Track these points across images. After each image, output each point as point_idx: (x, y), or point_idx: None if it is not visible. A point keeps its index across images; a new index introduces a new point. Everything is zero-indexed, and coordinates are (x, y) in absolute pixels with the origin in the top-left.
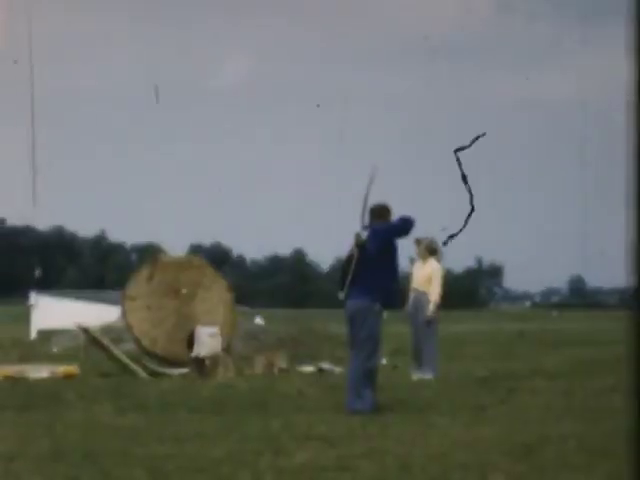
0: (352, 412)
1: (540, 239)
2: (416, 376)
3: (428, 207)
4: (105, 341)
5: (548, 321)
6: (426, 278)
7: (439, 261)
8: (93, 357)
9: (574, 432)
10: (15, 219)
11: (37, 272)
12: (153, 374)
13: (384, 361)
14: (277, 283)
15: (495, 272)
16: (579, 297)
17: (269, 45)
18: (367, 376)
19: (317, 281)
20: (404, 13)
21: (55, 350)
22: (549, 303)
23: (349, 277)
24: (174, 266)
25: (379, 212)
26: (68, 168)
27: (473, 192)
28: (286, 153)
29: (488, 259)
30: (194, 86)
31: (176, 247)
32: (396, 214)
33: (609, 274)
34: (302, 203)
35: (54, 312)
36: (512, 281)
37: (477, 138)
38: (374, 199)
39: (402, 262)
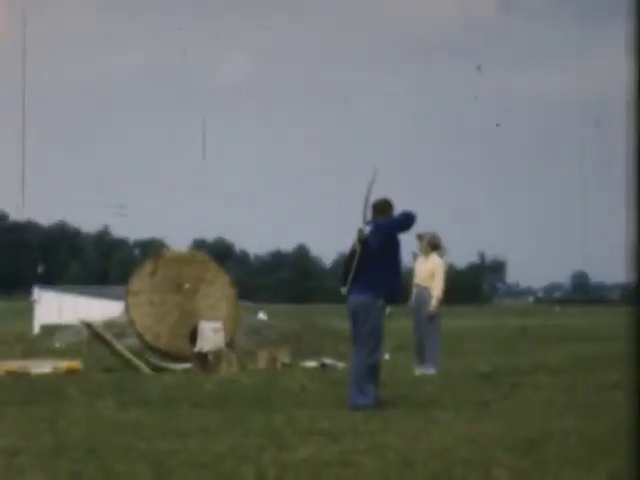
0: (355, 407)
1: (543, 235)
2: (419, 371)
3: (427, 205)
4: (108, 336)
5: (551, 317)
6: (428, 273)
7: (441, 256)
8: (96, 352)
9: (577, 428)
10: (17, 214)
11: (40, 268)
12: (156, 369)
13: (387, 356)
14: (280, 278)
15: (498, 267)
16: (582, 293)
17: (271, 44)
18: (370, 371)
19: (320, 276)
20: (407, 13)
21: (58, 345)
22: (552, 298)
23: (352, 272)
24: (177, 261)
25: (381, 207)
26: (70, 164)
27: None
28: (289, 149)
29: (491, 254)
30: (196, 84)
31: (179, 242)
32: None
33: (612, 270)
34: (305, 199)
35: (57, 307)
36: (515, 276)
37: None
38: (375, 196)
39: (405, 257)
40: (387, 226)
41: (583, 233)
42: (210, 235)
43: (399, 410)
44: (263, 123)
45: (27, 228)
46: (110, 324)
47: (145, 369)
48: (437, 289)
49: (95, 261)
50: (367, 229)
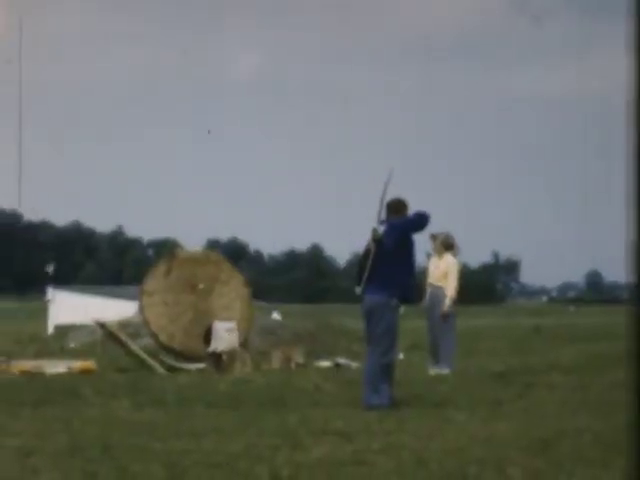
0: (369, 407)
1: (556, 234)
2: (433, 371)
3: (440, 205)
4: (122, 336)
5: (565, 316)
6: (442, 273)
7: (455, 256)
8: (110, 352)
9: (590, 427)
10: (32, 214)
11: (50, 268)
12: (170, 369)
13: (401, 356)
14: (294, 278)
15: (512, 267)
16: (596, 292)
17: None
18: (384, 371)
19: (333, 276)
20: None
21: (72, 345)
22: (566, 298)
23: (366, 272)
24: (191, 261)
25: (396, 207)
26: (85, 164)
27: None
28: (303, 149)
29: (505, 254)
30: (209, 82)
31: (193, 242)
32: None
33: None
34: (319, 199)
35: (71, 307)
36: (529, 276)
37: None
38: (390, 195)
39: (418, 257)
40: (401, 226)
41: (597, 233)
42: (224, 235)
43: (413, 410)
44: (278, 122)
45: (41, 228)
46: (124, 324)
47: (159, 369)
48: (451, 289)
49: (109, 261)
50: (381, 229)
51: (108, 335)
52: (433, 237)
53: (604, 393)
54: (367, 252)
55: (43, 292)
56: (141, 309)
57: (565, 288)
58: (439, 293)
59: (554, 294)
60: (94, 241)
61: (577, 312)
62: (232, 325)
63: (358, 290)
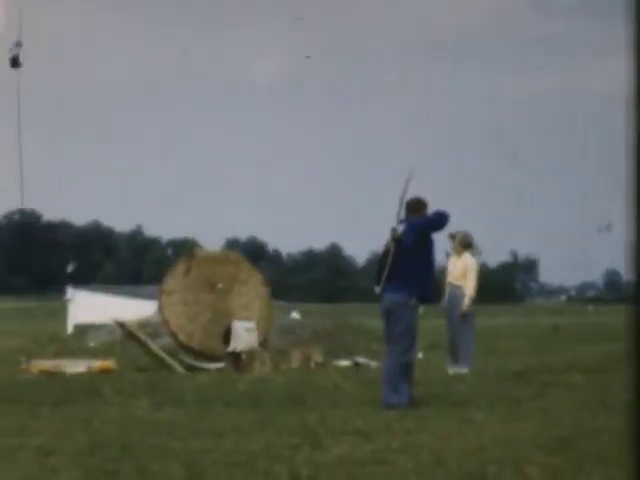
0: (388, 406)
1: (575, 233)
2: (452, 370)
3: (459, 204)
4: (142, 336)
5: (583, 315)
6: (461, 272)
7: (474, 255)
8: (130, 352)
9: (609, 426)
10: (51, 214)
11: (70, 267)
12: (189, 369)
13: (420, 355)
14: (313, 278)
15: (530, 266)
16: (615, 291)
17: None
18: (403, 370)
19: (352, 276)
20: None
21: (92, 345)
22: (585, 297)
23: (385, 271)
24: (210, 261)
25: (415, 206)
26: (104, 164)
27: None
28: (321, 148)
29: (523, 253)
30: (227, 84)
31: (212, 242)
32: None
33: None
34: (337, 198)
35: (90, 307)
36: (547, 275)
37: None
38: (409, 195)
39: (437, 256)
40: (421, 225)
41: (616, 232)
42: (243, 234)
43: (432, 409)
44: (296, 122)
45: (61, 228)
46: (144, 323)
47: (179, 368)
48: (470, 288)
49: (129, 260)
50: (401, 228)
51: (127, 334)
52: (452, 236)
53: (623, 393)
54: (386, 251)
55: (62, 292)
56: (160, 308)
57: (584, 287)
58: (458, 292)
59: (573, 293)
60: (113, 241)
61: (596, 311)
62: (251, 325)
63: (377, 289)
